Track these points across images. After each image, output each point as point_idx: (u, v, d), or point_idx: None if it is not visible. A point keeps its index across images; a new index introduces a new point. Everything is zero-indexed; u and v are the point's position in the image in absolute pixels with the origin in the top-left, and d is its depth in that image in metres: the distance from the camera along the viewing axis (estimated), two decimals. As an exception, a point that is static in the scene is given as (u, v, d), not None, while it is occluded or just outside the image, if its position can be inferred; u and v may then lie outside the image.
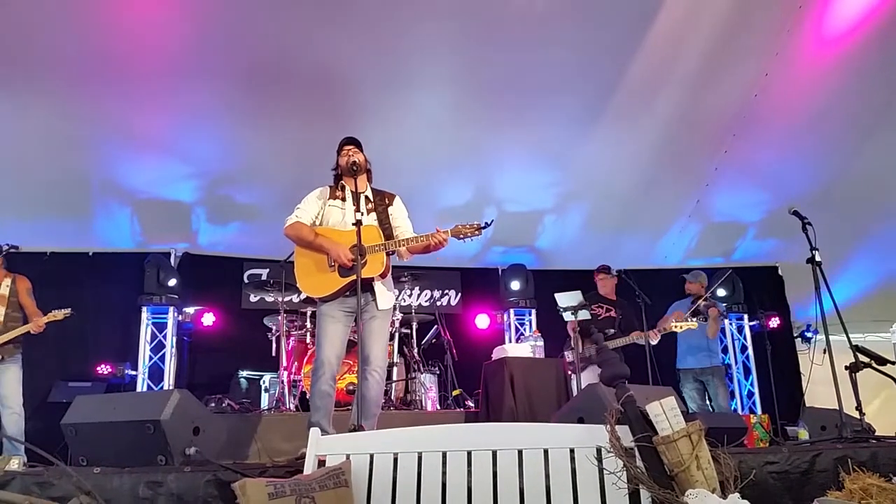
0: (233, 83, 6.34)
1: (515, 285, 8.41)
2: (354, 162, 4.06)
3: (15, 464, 3.14)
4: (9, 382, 5.39)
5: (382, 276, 4.02)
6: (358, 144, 4.22)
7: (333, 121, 6.27)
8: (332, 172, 4.28)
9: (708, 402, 6.79)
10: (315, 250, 4.00)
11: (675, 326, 6.16)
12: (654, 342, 6.11)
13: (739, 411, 8.06)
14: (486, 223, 3.97)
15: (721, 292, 7.84)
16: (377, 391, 3.97)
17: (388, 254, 3.99)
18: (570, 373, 5.89)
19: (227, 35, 5.97)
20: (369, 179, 4.23)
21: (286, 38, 6.04)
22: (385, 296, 4.02)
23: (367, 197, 4.12)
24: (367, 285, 3.92)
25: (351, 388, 5.62)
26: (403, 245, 3.97)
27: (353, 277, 3.79)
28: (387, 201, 4.20)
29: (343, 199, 4.14)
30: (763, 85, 6.79)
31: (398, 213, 4.21)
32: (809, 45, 6.48)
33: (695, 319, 6.21)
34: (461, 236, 3.94)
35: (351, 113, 6.51)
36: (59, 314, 5.61)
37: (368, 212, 4.06)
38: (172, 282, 7.48)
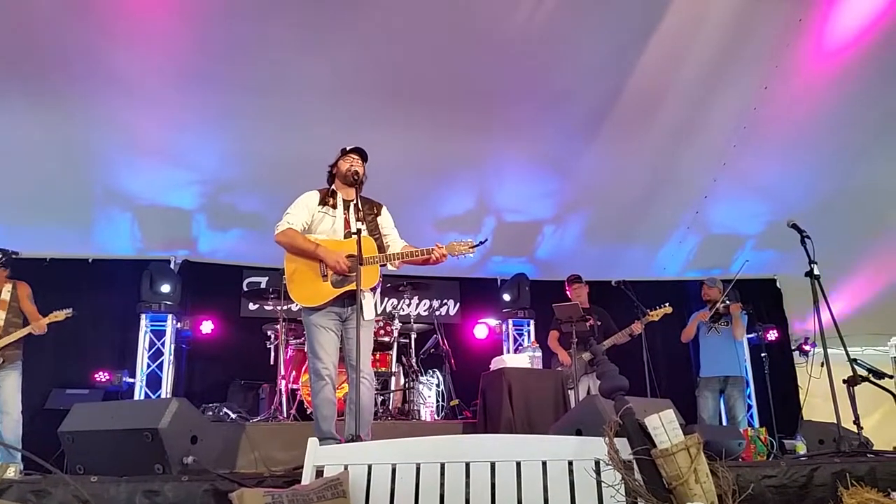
0: (234, 91, 6.36)
1: (514, 295, 8.40)
2: (356, 172, 4.08)
3: (11, 472, 3.12)
4: (9, 388, 5.39)
5: (372, 288, 4.06)
6: (364, 156, 4.23)
7: (334, 129, 6.28)
8: (326, 171, 4.30)
9: (724, 414, 6.80)
10: (309, 258, 4.00)
11: (653, 315, 6.29)
12: (637, 332, 6.30)
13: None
14: (481, 242, 4.04)
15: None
16: (370, 398, 4.06)
17: (381, 265, 4.03)
18: None
19: (229, 43, 6.00)
20: (359, 189, 4.24)
21: (286, 45, 6.07)
22: (369, 306, 4.05)
23: (356, 206, 4.13)
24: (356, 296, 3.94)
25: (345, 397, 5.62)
26: (404, 258, 3.99)
27: (346, 288, 3.88)
28: (375, 211, 4.23)
29: (334, 207, 4.15)
30: (763, 98, 6.82)
31: (386, 222, 4.26)
32: (809, 58, 6.51)
33: (717, 325, 6.53)
34: (455, 253, 3.99)
35: (351, 121, 6.52)
36: (59, 314, 5.65)
37: (357, 220, 4.08)
38: (171, 289, 7.47)
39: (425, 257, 3.97)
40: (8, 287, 5.60)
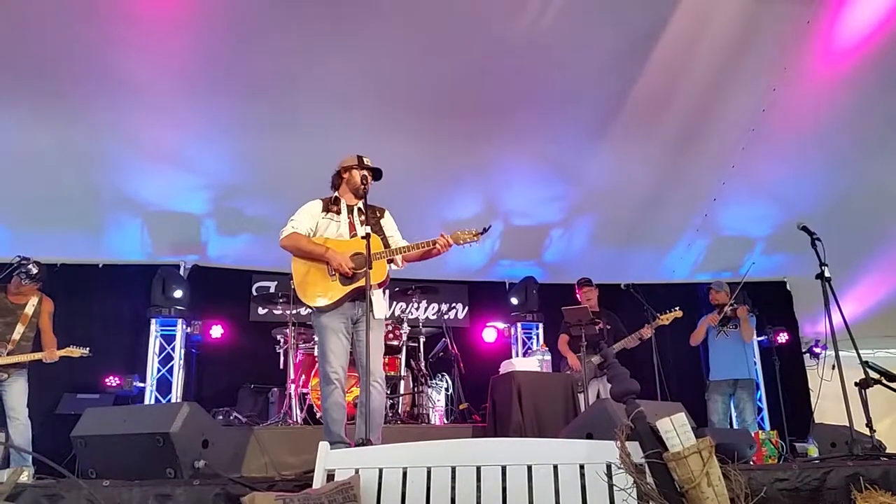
0: (243, 96, 6.40)
1: (522, 299, 8.37)
2: (366, 179, 4.08)
3: (24, 476, 3.14)
4: (15, 393, 5.40)
5: (381, 284, 4.07)
6: (377, 176, 4.21)
7: (343, 134, 6.32)
8: (334, 174, 4.29)
9: (733, 417, 6.76)
10: (315, 260, 4.02)
11: (663, 319, 6.25)
12: (647, 336, 6.27)
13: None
14: (485, 228, 4.06)
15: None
16: (380, 402, 4.05)
17: (388, 261, 4.03)
18: None
19: (237, 49, 6.03)
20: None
21: (293, 52, 6.10)
22: (381, 304, 4.08)
23: (359, 209, 4.17)
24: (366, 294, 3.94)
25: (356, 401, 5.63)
26: (410, 250, 4.03)
27: (355, 285, 3.88)
28: (378, 215, 4.25)
29: (338, 213, 4.18)
30: (771, 100, 6.80)
31: (389, 225, 4.28)
32: (818, 59, 6.49)
33: (725, 328, 6.55)
34: (460, 242, 4.02)
35: (358, 126, 6.54)
36: (75, 351, 5.64)
37: (361, 224, 4.10)
38: (181, 294, 7.50)
39: (430, 248, 4.01)
40: (34, 301, 5.59)
